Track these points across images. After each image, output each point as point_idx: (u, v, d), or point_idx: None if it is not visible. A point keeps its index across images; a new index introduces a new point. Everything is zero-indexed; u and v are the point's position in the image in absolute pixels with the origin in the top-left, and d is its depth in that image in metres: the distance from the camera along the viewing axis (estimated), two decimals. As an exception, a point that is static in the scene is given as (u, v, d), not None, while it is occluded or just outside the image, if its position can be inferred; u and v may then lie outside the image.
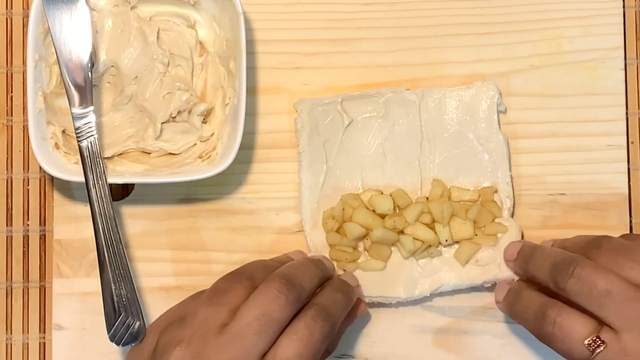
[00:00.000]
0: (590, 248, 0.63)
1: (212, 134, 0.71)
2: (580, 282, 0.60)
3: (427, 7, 0.73)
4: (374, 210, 0.69)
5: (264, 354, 0.60)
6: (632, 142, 0.72)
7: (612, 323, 0.60)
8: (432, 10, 0.73)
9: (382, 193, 0.70)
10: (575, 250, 0.64)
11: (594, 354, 0.60)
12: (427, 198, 0.70)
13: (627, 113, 0.72)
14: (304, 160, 0.71)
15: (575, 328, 0.60)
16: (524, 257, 0.67)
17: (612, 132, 0.71)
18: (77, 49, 0.68)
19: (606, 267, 0.61)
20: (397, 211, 0.69)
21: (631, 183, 0.72)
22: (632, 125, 0.73)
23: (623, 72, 0.72)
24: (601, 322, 0.60)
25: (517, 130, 0.72)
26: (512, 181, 0.70)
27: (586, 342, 0.60)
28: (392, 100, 0.71)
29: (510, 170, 0.71)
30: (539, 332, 0.62)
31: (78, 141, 0.67)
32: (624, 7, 0.73)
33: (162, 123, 0.70)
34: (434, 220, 0.69)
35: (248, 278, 0.62)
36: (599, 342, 0.60)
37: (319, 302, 0.63)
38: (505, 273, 0.68)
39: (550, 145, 0.72)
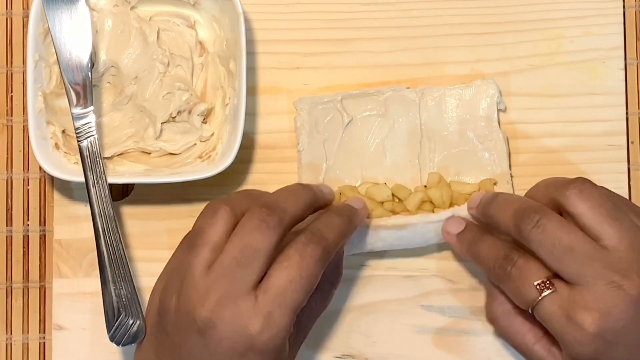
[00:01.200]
0: (559, 188, 0.62)
1: (212, 134, 0.71)
2: (544, 233, 0.60)
3: (427, 7, 0.73)
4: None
5: (256, 287, 0.59)
6: (632, 142, 0.72)
7: (567, 277, 0.60)
8: (432, 10, 0.73)
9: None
10: (543, 190, 0.64)
11: (541, 296, 0.60)
12: (425, 186, 0.70)
13: (627, 113, 0.72)
14: (303, 159, 0.71)
15: (531, 270, 0.61)
16: (486, 201, 0.66)
17: (612, 132, 0.71)
18: (77, 49, 0.68)
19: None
20: (397, 202, 0.70)
21: (631, 183, 0.72)
22: (632, 125, 0.73)
23: (623, 72, 0.72)
24: (557, 275, 0.61)
25: (517, 130, 0.72)
26: (511, 180, 0.71)
27: (536, 282, 0.60)
28: (392, 98, 0.71)
29: (510, 168, 0.71)
30: (496, 271, 0.63)
31: (78, 141, 0.67)
32: (624, 7, 0.73)
33: (162, 123, 0.70)
34: (434, 208, 0.69)
35: (226, 209, 0.61)
36: (549, 285, 0.60)
37: (311, 227, 0.61)
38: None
39: (550, 145, 0.72)
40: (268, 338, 0.58)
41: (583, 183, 0.62)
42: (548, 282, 0.60)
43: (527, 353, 0.65)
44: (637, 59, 0.73)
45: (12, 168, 0.73)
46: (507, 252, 0.63)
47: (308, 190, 0.64)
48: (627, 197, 0.71)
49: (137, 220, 0.72)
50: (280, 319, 0.58)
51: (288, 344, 0.60)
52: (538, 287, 0.61)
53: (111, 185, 0.68)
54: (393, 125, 0.71)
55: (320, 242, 0.60)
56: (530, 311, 0.62)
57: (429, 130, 0.71)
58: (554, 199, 0.62)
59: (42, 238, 0.73)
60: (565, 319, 0.59)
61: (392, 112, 0.71)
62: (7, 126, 0.73)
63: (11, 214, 0.73)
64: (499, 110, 0.71)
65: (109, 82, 0.71)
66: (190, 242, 0.61)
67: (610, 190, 0.64)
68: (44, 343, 0.72)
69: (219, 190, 0.71)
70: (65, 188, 0.72)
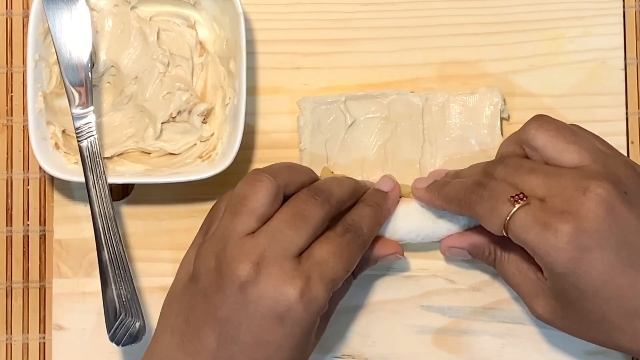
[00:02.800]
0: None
1: (212, 134, 0.71)
2: (509, 165, 0.62)
3: (427, 7, 0.73)
4: None
5: (299, 255, 0.60)
6: (632, 142, 0.73)
7: (538, 194, 0.60)
8: (432, 10, 0.73)
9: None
10: (509, 140, 0.66)
11: (516, 206, 0.60)
12: None
13: (627, 113, 0.72)
14: (305, 158, 0.71)
15: (504, 187, 0.61)
16: (436, 185, 0.67)
17: (612, 132, 0.71)
18: (77, 49, 0.68)
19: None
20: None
21: (631, 183, 0.72)
22: (632, 125, 0.73)
23: (623, 72, 0.72)
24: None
25: (517, 130, 0.72)
26: None
27: (510, 195, 0.61)
28: (396, 101, 0.71)
29: None
30: (467, 199, 0.63)
31: (78, 141, 0.67)
32: (624, 7, 0.73)
33: (162, 123, 0.70)
34: None
35: (270, 177, 0.62)
36: (523, 197, 0.60)
37: (347, 219, 0.64)
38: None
39: (550, 145, 0.72)
40: (307, 301, 0.59)
41: (541, 117, 0.64)
42: (522, 194, 0.61)
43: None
44: (637, 59, 0.73)
45: (12, 168, 0.73)
46: (477, 179, 0.64)
47: (352, 180, 0.67)
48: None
49: (137, 220, 0.72)
50: (318, 288, 0.59)
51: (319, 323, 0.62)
52: (511, 199, 0.60)
53: (111, 185, 0.68)
54: (396, 129, 0.71)
55: (356, 232, 0.63)
56: (504, 233, 0.61)
57: (431, 135, 0.71)
58: (519, 141, 0.64)
59: (42, 238, 0.73)
60: (540, 227, 0.59)
61: (395, 116, 0.71)
62: (7, 126, 0.73)
63: (11, 214, 0.73)
64: (502, 118, 0.71)
65: (109, 82, 0.71)
66: (233, 209, 0.61)
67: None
68: (44, 343, 0.72)
69: (219, 190, 0.71)
70: (65, 188, 0.72)
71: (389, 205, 0.67)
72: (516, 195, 0.60)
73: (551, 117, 0.64)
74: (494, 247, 0.66)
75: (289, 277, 0.59)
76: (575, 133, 0.63)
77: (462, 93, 0.71)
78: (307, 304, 0.59)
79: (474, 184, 0.63)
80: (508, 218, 0.60)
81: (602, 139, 0.65)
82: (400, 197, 0.69)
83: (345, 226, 0.63)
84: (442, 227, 0.68)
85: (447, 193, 0.65)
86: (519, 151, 0.64)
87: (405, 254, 0.70)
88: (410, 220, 0.68)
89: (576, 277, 0.59)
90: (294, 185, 0.63)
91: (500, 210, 0.61)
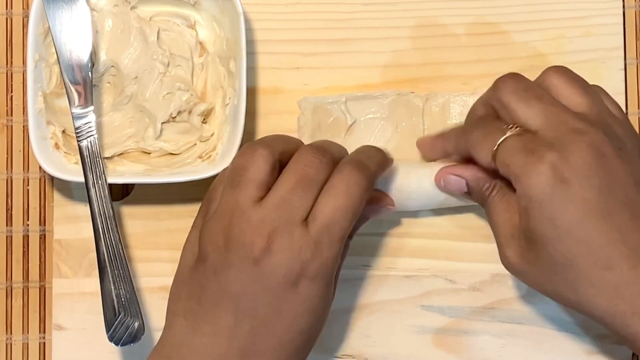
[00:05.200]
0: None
1: (212, 134, 0.71)
2: (519, 82, 0.62)
3: (427, 7, 0.73)
4: None
5: (307, 216, 0.60)
6: (632, 142, 0.72)
7: (534, 124, 0.60)
8: (432, 10, 0.73)
9: None
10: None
11: (507, 133, 0.60)
12: None
13: (627, 113, 0.72)
14: None
15: (499, 122, 0.62)
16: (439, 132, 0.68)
17: (612, 132, 0.71)
18: (77, 49, 0.68)
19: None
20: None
21: (631, 183, 0.72)
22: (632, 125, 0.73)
23: (623, 72, 0.72)
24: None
25: (517, 130, 0.72)
26: None
27: (504, 126, 0.61)
28: (396, 102, 0.71)
29: None
30: (463, 132, 0.64)
31: (78, 141, 0.67)
32: (624, 7, 0.73)
33: (162, 123, 0.70)
34: None
35: (265, 147, 0.62)
36: (516, 127, 0.61)
37: (353, 158, 0.63)
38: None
39: (550, 145, 0.72)
40: (319, 264, 0.59)
41: (561, 66, 0.64)
42: (516, 125, 0.61)
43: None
44: (637, 59, 0.73)
45: (12, 168, 0.73)
46: (479, 117, 0.64)
47: (341, 146, 0.66)
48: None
49: (137, 220, 0.72)
50: (329, 246, 0.60)
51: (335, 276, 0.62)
52: (505, 127, 0.61)
53: (111, 185, 0.68)
54: (396, 129, 0.71)
55: (363, 170, 0.62)
56: (493, 163, 0.61)
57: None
58: (537, 82, 0.64)
59: (42, 238, 0.73)
60: (526, 153, 0.59)
61: (396, 116, 0.71)
62: (7, 126, 0.73)
63: (11, 214, 0.73)
64: None
65: (109, 82, 0.71)
66: (232, 181, 0.61)
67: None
68: (44, 343, 0.72)
69: (219, 190, 0.71)
70: (65, 188, 0.72)
71: (388, 156, 0.66)
72: (510, 125, 0.61)
73: (571, 70, 0.64)
74: (494, 182, 0.64)
75: (300, 243, 0.59)
76: (590, 87, 0.63)
77: (462, 93, 0.71)
78: (320, 266, 0.59)
79: (474, 120, 0.64)
80: (498, 143, 0.60)
81: (619, 106, 0.65)
82: None
83: (353, 164, 0.62)
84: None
85: (447, 132, 0.66)
86: None
87: (405, 253, 0.70)
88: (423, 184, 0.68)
89: (552, 206, 0.58)
90: (288, 154, 0.63)
91: (491, 138, 0.61)
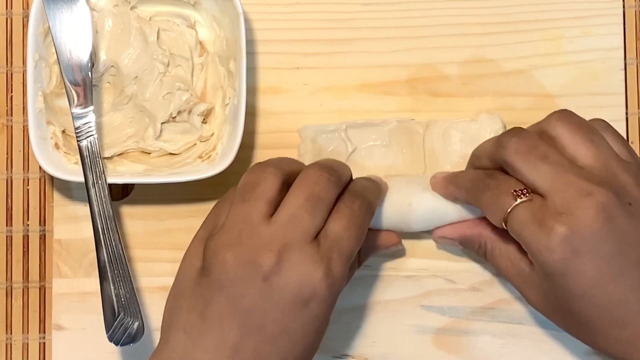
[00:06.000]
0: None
1: (212, 134, 0.71)
2: (522, 141, 0.62)
3: (427, 7, 0.73)
4: None
5: (317, 235, 0.60)
6: (632, 142, 0.73)
7: (540, 185, 0.60)
8: (432, 10, 0.73)
9: None
10: (531, 127, 0.65)
11: (517, 201, 0.61)
12: None
13: (627, 113, 0.72)
14: None
15: (510, 182, 0.62)
16: (453, 174, 0.68)
17: (612, 132, 0.71)
18: (77, 49, 0.68)
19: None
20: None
21: (631, 183, 0.72)
22: (632, 125, 0.73)
23: (623, 72, 0.72)
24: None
25: (517, 131, 0.72)
26: None
27: (513, 190, 0.61)
28: (397, 129, 0.71)
29: None
30: (475, 186, 0.64)
31: (78, 141, 0.67)
32: (624, 7, 0.73)
33: (162, 123, 0.70)
34: None
35: (275, 167, 0.62)
36: (526, 192, 0.61)
37: (352, 187, 0.64)
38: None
39: (550, 145, 0.72)
40: (330, 283, 0.59)
41: (564, 111, 0.64)
42: (525, 190, 0.61)
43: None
44: (637, 59, 0.73)
45: (12, 168, 0.73)
46: (489, 172, 0.64)
47: (345, 165, 0.66)
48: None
49: (137, 220, 0.72)
50: (339, 266, 0.60)
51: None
52: (514, 193, 0.61)
53: (111, 185, 0.68)
54: (397, 156, 0.71)
55: (363, 198, 0.63)
56: (504, 225, 0.62)
57: (432, 162, 0.71)
58: (540, 129, 0.63)
59: (42, 238, 0.73)
60: (536, 225, 0.59)
61: (397, 143, 0.71)
62: (7, 126, 0.73)
63: (11, 214, 0.73)
64: None
65: (109, 82, 0.71)
66: (243, 196, 0.61)
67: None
68: (44, 343, 0.72)
69: (219, 190, 0.71)
70: (65, 188, 0.72)
71: (382, 187, 0.67)
72: (519, 190, 0.61)
73: (574, 114, 0.64)
74: (484, 241, 0.67)
75: (312, 261, 0.59)
76: (595, 132, 0.62)
77: (463, 120, 0.71)
78: (331, 284, 0.59)
79: (485, 174, 0.64)
80: (508, 211, 0.61)
81: (626, 143, 0.64)
82: None
83: (352, 194, 0.63)
84: (454, 213, 0.68)
85: (459, 179, 0.66)
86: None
87: (405, 253, 0.70)
88: (425, 205, 0.68)
89: (565, 278, 0.59)
90: (295, 175, 0.63)
91: (502, 203, 0.61)
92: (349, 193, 0.63)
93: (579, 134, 0.62)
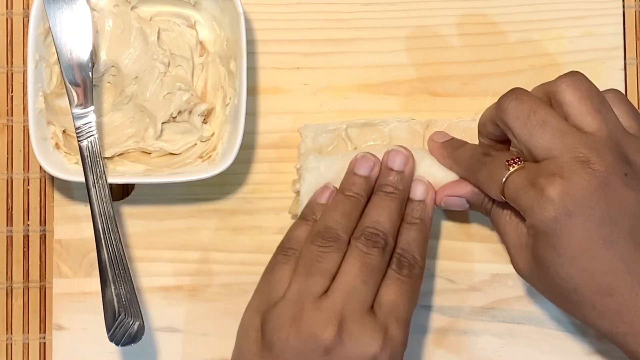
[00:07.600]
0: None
1: (213, 134, 0.71)
2: (521, 105, 0.61)
3: (427, 7, 0.73)
4: None
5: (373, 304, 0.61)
6: (632, 142, 0.72)
7: (536, 152, 0.60)
8: (432, 10, 0.73)
9: None
10: (539, 87, 0.64)
11: (510, 169, 0.61)
12: None
13: (627, 113, 0.72)
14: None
15: (503, 155, 0.62)
16: (452, 143, 0.68)
17: (612, 132, 0.71)
18: (78, 49, 0.68)
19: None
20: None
21: (631, 183, 0.72)
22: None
23: (623, 72, 0.72)
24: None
25: (517, 130, 0.72)
26: None
27: (505, 160, 0.61)
28: (397, 129, 0.71)
29: None
30: (473, 165, 0.64)
31: (78, 141, 0.67)
32: (623, 7, 0.73)
33: (162, 123, 0.70)
34: None
35: (335, 239, 0.63)
36: (518, 161, 0.61)
37: (398, 250, 0.64)
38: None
39: (550, 145, 0.72)
40: (390, 353, 0.60)
41: (576, 74, 0.62)
42: (517, 158, 0.61)
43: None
44: (637, 59, 0.73)
45: (12, 168, 0.73)
46: (486, 149, 0.65)
47: (390, 199, 0.65)
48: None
49: (137, 220, 0.72)
50: (397, 332, 0.61)
51: None
52: (507, 163, 0.61)
53: (111, 185, 0.68)
54: None
55: (410, 263, 0.63)
56: (502, 197, 0.62)
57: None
58: (547, 91, 0.63)
59: (42, 238, 0.73)
60: (529, 186, 0.59)
61: (397, 143, 0.71)
62: (8, 126, 0.73)
63: (11, 214, 0.73)
64: None
65: (109, 82, 0.71)
66: (308, 270, 0.62)
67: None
68: (44, 343, 0.72)
69: (219, 190, 0.71)
70: (66, 188, 0.72)
71: (429, 211, 0.66)
72: (511, 159, 0.61)
73: (587, 79, 0.62)
74: (488, 197, 0.65)
75: (371, 332, 0.60)
76: (604, 102, 0.61)
77: (462, 119, 0.70)
78: (391, 352, 0.60)
79: (482, 152, 0.64)
80: (504, 181, 0.61)
81: (638, 117, 0.63)
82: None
83: (399, 261, 0.63)
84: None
85: (458, 156, 0.66)
86: (545, 100, 0.63)
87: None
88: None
89: (556, 238, 0.59)
90: (350, 231, 0.64)
91: (497, 176, 0.62)
92: (397, 259, 0.63)
93: (587, 103, 0.61)
